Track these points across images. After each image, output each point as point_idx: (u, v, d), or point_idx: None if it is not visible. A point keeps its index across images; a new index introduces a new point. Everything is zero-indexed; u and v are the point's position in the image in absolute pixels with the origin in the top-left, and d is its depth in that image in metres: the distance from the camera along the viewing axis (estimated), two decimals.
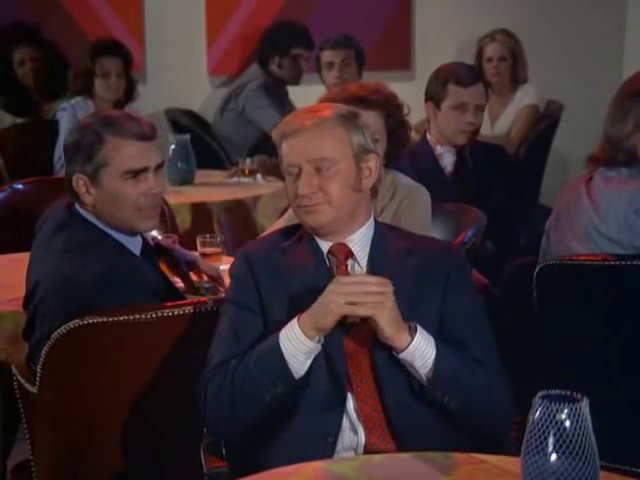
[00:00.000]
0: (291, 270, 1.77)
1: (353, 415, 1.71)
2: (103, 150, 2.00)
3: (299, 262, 1.78)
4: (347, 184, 1.76)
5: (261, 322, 1.76)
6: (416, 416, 1.70)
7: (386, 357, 1.70)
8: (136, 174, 2.01)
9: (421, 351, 1.66)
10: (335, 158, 1.75)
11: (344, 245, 1.80)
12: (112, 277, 1.98)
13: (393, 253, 1.79)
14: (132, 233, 2.08)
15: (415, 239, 1.87)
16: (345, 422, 1.71)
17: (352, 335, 1.70)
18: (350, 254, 1.79)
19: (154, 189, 2.04)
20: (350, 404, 1.72)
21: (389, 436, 1.70)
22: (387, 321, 1.63)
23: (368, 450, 1.70)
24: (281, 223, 2.68)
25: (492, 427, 1.74)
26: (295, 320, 1.67)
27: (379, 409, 1.71)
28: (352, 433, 1.71)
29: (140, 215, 2.04)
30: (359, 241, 1.80)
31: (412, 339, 1.65)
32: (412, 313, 1.71)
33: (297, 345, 1.65)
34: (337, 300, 1.63)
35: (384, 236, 1.82)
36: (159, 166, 2.06)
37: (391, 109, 2.44)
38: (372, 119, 2.36)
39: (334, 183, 1.75)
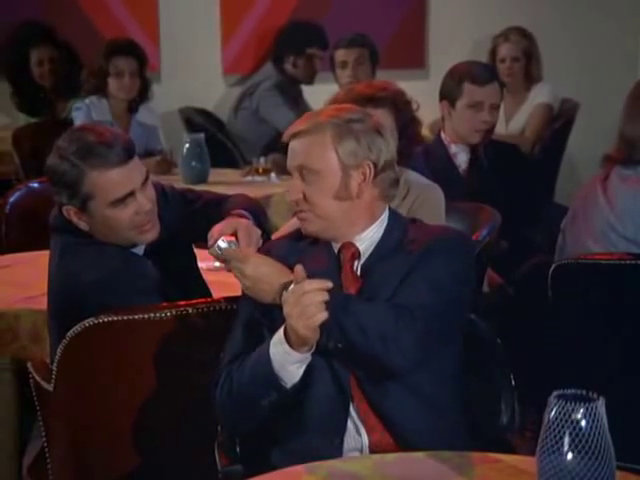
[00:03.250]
0: (307, 272, 1.75)
1: (354, 415, 1.73)
2: (85, 185, 1.97)
3: (314, 264, 1.76)
4: (330, 194, 1.75)
5: (274, 318, 1.75)
6: (406, 411, 1.71)
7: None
8: (123, 200, 1.98)
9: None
10: (315, 168, 1.75)
11: (351, 244, 1.79)
12: (112, 281, 1.98)
13: (401, 246, 1.77)
14: (134, 245, 2.08)
15: (427, 228, 1.84)
16: (349, 424, 1.72)
17: None
18: (357, 254, 1.78)
19: (145, 206, 2.01)
20: (353, 405, 1.72)
21: (387, 434, 1.71)
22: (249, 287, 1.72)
23: (372, 450, 1.71)
24: (295, 222, 2.68)
25: (385, 359, 1.66)
26: (282, 330, 1.65)
27: (373, 408, 1.72)
28: (356, 434, 1.72)
29: (138, 231, 2.03)
30: (368, 239, 1.79)
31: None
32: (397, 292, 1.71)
33: (284, 356, 1.65)
34: (291, 313, 1.61)
35: (394, 232, 1.80)
36: (144, 182, 2.02)
37: (400, 105, 2.43)
38: (381, 117, 2.36)
39: (316, 193, 1.75)
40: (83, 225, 2.03)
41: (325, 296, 1.60)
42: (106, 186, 1.97)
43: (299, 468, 1.52)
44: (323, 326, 1.61)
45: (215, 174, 3.80)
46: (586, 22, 5.02)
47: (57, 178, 2.00)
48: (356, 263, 1.78)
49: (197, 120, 4.60)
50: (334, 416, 1.71)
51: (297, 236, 1.86)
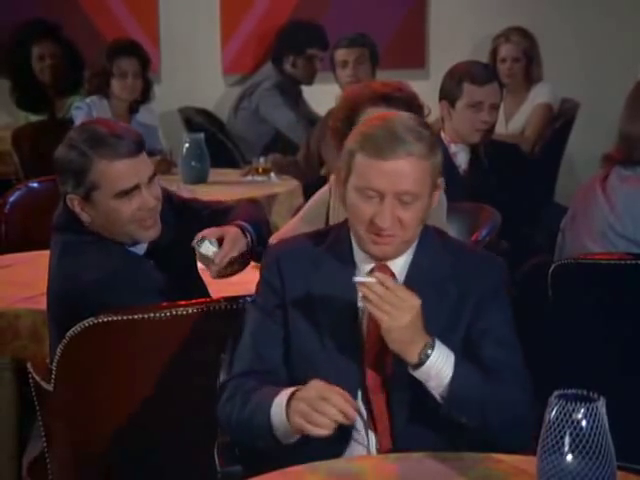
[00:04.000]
0: (319, 286, 1.70)
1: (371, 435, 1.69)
2: (92, 173, 1.97)
3: (328, 280, 1.69)
4: (420, 218, 1.68)
5: (283, 332, 1.71)
6: (422, 433, 1.66)
7: (403, 400, 1.65)
8: (128, 193, 1.98)
9: (437, 370, 1.59)
10: (418, 193, 1.66)
11: (387, 267, 1.70)
12: (112, 280, 1.97)
13: (434, 275, 1.70)
14: (134, 243, 2.07)
15: (459, 256, 1.75)
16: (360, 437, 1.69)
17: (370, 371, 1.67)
18: (392, 276, 1.70)
19: (149, 203, 2.01)
20: (372, 440, 1.68)
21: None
22: (392, 339, 1.58)
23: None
24: (296, 222, 2.67)
25: (509, 443, 1.65)
26: (284, 401, 1.56)
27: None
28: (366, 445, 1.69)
29: (139, 226, 2.02)
30: (402, 264, 1.72)
31: (428, 357, 1.58)
32: (443, 337, 1.64)
33: (282, 422, 1.57)
34: (296, 406, 1.54)
35: (426, 255, 1.72)
36: (151, 178, 2.02)
37: (413, 109, 2.40)
38: None
39: (413, 217, 1.66)
40: (85, 216, 2.03)
41: (341, 418, 1.50)
42: (113, 176, 1.97)
43: (300, 468, 1.52)
44: (463, 407, 1.59)
45: (215, 174, 3.80)
46: (586, 22, 5.02)
47: (65, 166, 2.00)
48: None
49: (197, 120, 4.59)
50: (339, 439, 1.65)
51: (314, 240, 1.77)
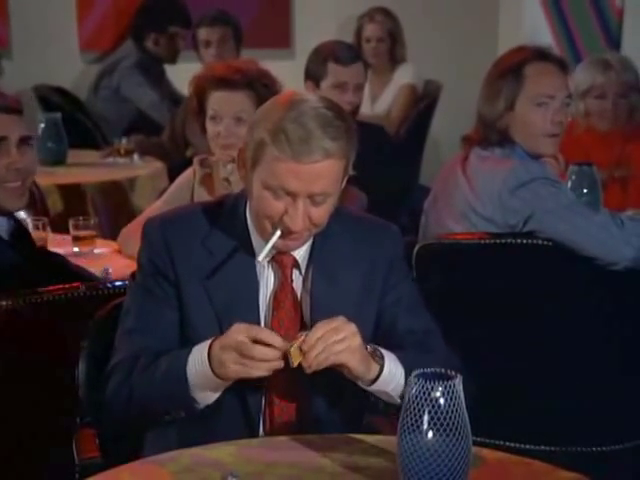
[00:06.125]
0: (216, 272, 1.61)
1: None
2: None
3: (225, 267, 1.61)
4: (331, 211, 1.61)
5: (175, 307, 1.62)
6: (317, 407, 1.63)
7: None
8: None
9: (392, 374, 1.54)
10: (333, 192, 1.58)
11: (290, 256, 1.63)
12: None
13: (337, 256, 1.66)
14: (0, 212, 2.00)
15: (358, 230, 1.71)
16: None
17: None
18: (295, 264, 1.65)
19: (17, 163, 1.98)
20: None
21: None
22: (357, 362, 1.50)
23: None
24: (160, 205, 2.61)
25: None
26: (205, 351, 1.50)
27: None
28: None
29: (5, 190, 1.98)
30: (304, 250, 1.65)
31: (382, 367, 1.53)
32: (359, 311, 1.62)
33: (205, 381, 1.52)
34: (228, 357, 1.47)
35: (326, 235, 1.65)
36: (23, 140, 2.01)
37: (258, 88, 2.37)
38: (237, 100, 2.33)
39: (324, 213, 1.59)
40: None
41: (278, 364, 1.47)
42: None
43: (161, 457, 1.48)
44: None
45: (74, 155, 3.69)
46: (448, 3, 5.12)
47: None
48: (296, 273, 1.65)
49: (53, 99, 4.41)
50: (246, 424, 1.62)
51: (196, 218, 1.65)
